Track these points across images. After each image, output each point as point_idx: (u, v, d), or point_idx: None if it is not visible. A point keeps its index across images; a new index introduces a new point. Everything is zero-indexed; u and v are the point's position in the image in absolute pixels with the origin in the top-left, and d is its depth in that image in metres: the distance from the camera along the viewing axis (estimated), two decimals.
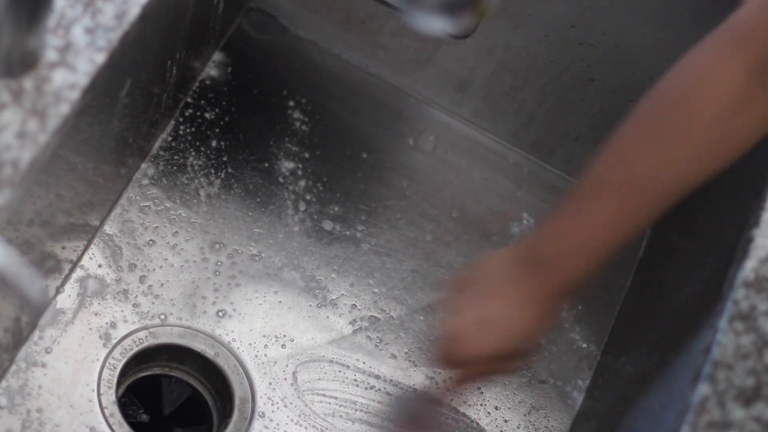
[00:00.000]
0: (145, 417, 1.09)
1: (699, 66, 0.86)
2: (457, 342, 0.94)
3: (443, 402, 1.09)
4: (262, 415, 1.07)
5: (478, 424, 1.12)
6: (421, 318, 1.16)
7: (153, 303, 1.09)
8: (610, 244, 0.91)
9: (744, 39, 0.84)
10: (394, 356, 1.13)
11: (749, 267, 0.89)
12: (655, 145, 0.88)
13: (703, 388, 0.84)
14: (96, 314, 1.07)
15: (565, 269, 0.91)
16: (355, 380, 1.11)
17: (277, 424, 1.07)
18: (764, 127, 0.86)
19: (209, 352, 1.09)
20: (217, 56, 1.23)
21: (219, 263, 1.13)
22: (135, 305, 1.09)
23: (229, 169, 1.18)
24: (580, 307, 1.20)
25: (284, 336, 1.12)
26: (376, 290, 1.16)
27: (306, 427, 1.08)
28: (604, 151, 0.90)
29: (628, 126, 0.89)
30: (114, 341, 1.06)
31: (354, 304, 1.15)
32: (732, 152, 0.88)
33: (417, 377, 1.13)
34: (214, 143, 1.19)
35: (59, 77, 0.81)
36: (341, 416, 1.09)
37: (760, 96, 0.84)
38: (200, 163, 1.18)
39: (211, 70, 1.22)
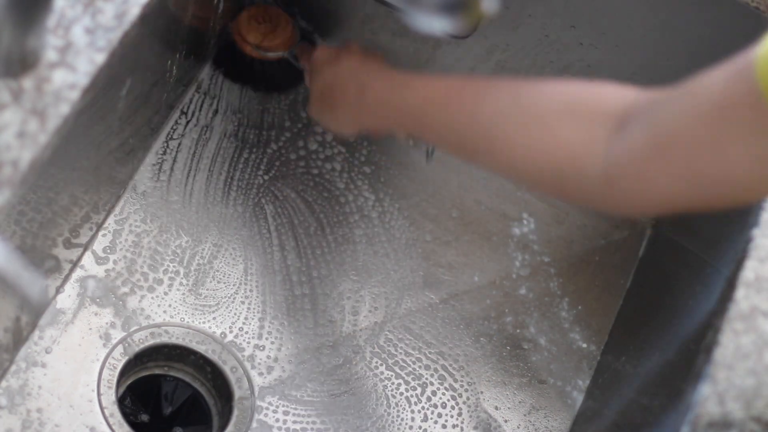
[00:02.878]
0: (145, 417, 1.09)
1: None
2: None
3: None
4: (262, 415, 1.07)
5: (477, 423, 1.12)
6: (422, 317, 1.16)
7: (153, 303, 1.09)
8: (416, 123, 0.96)
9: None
10: (394, 357, 1.13)
11: (749, 267, 0.89)
12: (512, 116, 0.87)
13: (703, 388, 0.84)
14: (96, 314, 1.07)
15: (377, 114, 1.01)
16: (356, 383, 1.11)
17: (278, 425, 1.07)
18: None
19: (209, 352, 1.09)
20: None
21: (219, 263, 1.13)
22: (135, 305, 1.09)
23: (230, 169, 1.18)
24: (580, 307, 1.20)
25: (284, 336, 1.12)
26: (376, 291, 1.16)
27: (306, 427, 1.08)
28: (513, 88, 0.90)
29: (520, 84, 0.89)
30: (114, 341, 1.07)
31: (353, 305, 1.15)
32: (545, 184, 0.86)
33: (412, 380, 1.13)
34: (214, 143, 1.19)
35: (59, 77, 0.81)
36: (342, 417, 1.09)
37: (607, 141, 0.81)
38: (200, 163, 1.18)
39: (211, 70, 1.22)
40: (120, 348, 1.06)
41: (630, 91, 0.82)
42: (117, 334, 1.07)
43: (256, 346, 1.10)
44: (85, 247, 1.09)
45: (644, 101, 0.80)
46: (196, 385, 1.10)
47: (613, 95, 0.83)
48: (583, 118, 0.82)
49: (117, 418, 1.03)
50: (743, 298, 0.88)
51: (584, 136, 0.82)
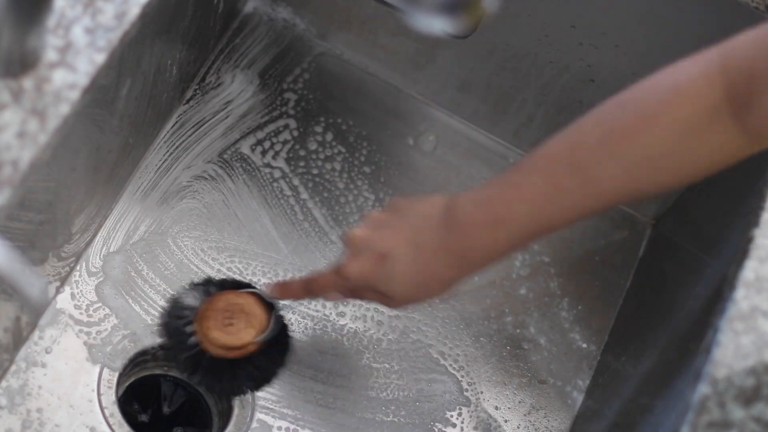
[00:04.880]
0: (145, 417, 1.09)
1: (678, 75, 0.84)
2: (347, 253, 0.95)
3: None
4: (262, 415, 1.07)
5: (477, 423, 1.12)
6: (422, 317, 1.16)
7: (153, 303, 1.09)
8: (531, 226, 0.88)
9: (729, 66, 0.81)
10: (394, 357, 1.13)
11: (749, 267, 0.89)
12: (608, 139, 0.85)
13: (703, 388, 0.84)
14: (96, 314, 1.07)
15: (476, 239, 0.89)
16: (356, 383, 1.11)
17: (277, 424, 1.07)
18: (721, 156, 0.83)
19: None
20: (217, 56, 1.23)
21: (219, 263, 1.13)
22: (135, 305, 1.09)
23: (230, 170, 1.18)
24: (580, 307, 1.20)
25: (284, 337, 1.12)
26: None
27: (306, 428, 1.08)
28: (560, 133, 0.88)
29: (589, 116, 0.87)
30: (114, 341, 1.06)
31: (354, 307, 1.15)
32: (682, 171, 0.85)
33: (410, 386, 1.13)
34: (213, 143, 1.19)
35: (59, 77, 0.81)
36: (341, 416, 1.09)
37: (725, 123, 0.81)
38: (200, 163, 1.18)
39: (210, 70, 1.22)
40: (120, 348, 1.06)
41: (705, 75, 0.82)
42: (117, 334, 1.07)
43: None
44: (85, 247, 1.09)
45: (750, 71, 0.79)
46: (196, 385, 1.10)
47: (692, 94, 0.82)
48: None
49: (117, 418, 1.03)
50: (743, 298, 0.88)
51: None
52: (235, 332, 1.02)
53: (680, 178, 0.86)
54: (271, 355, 1.05)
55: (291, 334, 1.09)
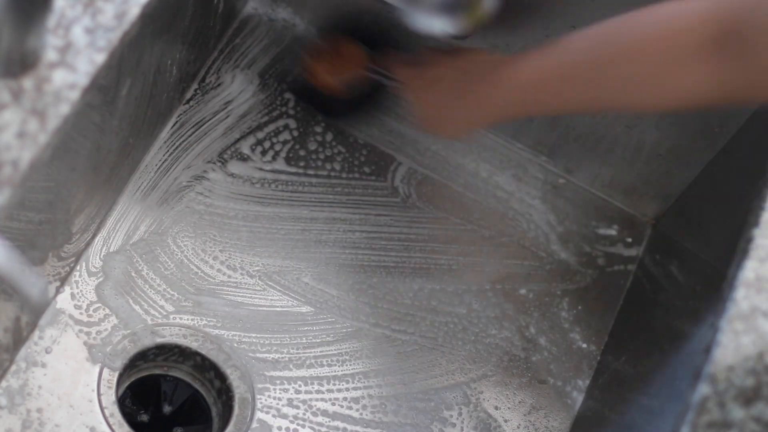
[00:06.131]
0: (145, 417, 1.09)
1: (671, 9, 0.88)
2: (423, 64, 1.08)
3: None
4: (262, 415, 1.07)
5: (477, 423, 1.12)
6: (422, 317, 1.16)
7: (153, 303, 1.09)
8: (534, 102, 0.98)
9: (723, 8, 0.85)
10: (395, 359, 1.13)
11: (749, 267, 0.89)
12: (601, 62, 0.92)
13: (703, 388, 0.84)
14: (96, 314, 1.07)
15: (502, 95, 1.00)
16: (356, 383, 1.11)
17: (277, 424, 1.07)
18: (703, 93, 0.87)
19: (210, 351, 1.09)
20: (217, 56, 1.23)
21: (220, 264, 1.13)
22: (135, 305, 1.09)
23: (229, 170, 1.18)
24: (580, 307, 1.20)
25: (284, 337, 1.12)
26: (377, 291, 1.16)
27: (306, 428, 1.08)
28: (550, 50, 0.95)
29: (583, 37, 0.94)
30: (114, 341, 1.06)
31: (354, 307, 1.15)
32: (664, 101, 0.91)
33: (410, 386, 1.13)
34: (213, 143, 1.19)
35: (59, 77, 0.81)
36: (341, 417, 1.09)
37: (712, 61, 0.85)
38: (200, 163, 1.18)
39: (210, 70, 1.22)
40: (120, 348, 1.06)
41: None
42: (117, 334, 1.07)
43: (257, 347, 1.10)
44: (85, 247, 1.09)
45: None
46: (196, 385, 1.10)
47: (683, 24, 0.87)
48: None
49: (117, 418, 1.03)
50: (743, 298, 0.88)
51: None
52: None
53: (665, 103, 0.92)
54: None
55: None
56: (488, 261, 1.20)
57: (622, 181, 1.24)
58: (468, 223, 1.22)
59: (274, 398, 1.08)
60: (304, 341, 1.12)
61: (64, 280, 1.07)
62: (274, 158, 1.20)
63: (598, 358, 1.17)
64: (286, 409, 1.08)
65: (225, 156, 1.19)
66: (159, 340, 1.08)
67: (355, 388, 1.11)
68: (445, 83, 1.04)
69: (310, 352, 1.12)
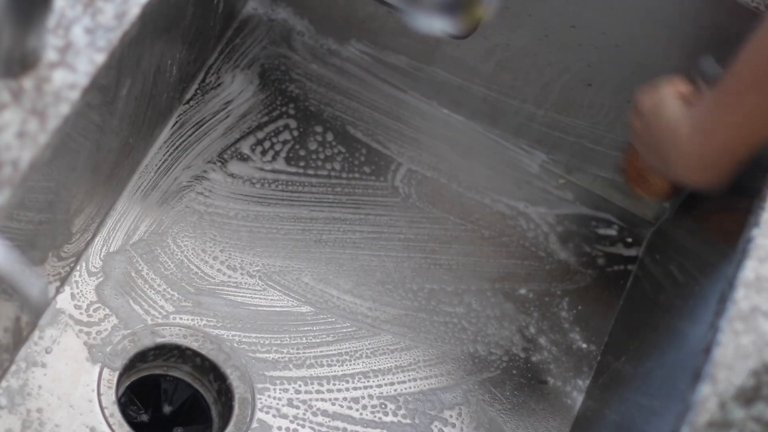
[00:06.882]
0: (145, 417, 1.09)
1: None
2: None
3: None
4: (263, 415, 1.07)
5: (478, 424, 1.12)
6: (422, 318, 1.16)
7: (153, 303, 1.09)
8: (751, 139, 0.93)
9: None
10: (395, 359, 1.13)
11: (749, 267, 0.89)
12: None
13: (703, 388, 0.84)
14: (96, 314, 1.07)
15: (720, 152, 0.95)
16: (355, 383, 1.11)
17: (278, 424, 1.07)
18: None
19: (210, 352, 1.09)
20: (217, 56, 1.23)
21: (220, 264, 1.13)
22: (135, 305, 1.09)
23: (229, 170, 1.18)
24: (580, 307, 1.20)
25: (285, 337, 1.12)
26: (377, 291, 1.16)
27: (306, 428, 1.08)
28: (752, 45, 0.89)
29: None
30: (114, 341, 1.07)
31: (354, 307, 1.15)
32: None
33: (409, 386, 1.13)
34: (213, 143, 1.19)
35: (59, 77, 0.81)
36: (341, 417, 1.09)
37: None
38: (200, 163, 1.18)
39: (211, 70, 1.22)
40: (120, 348, 1.06)
41: None
42: (117, 334, 1.07)
43: (257, 347, 1.10)
44: (85, 247, 1.09)
45: None
46: (196, 385, 1.10)
47: None
48: None
49: (117, 418, 1.03)
50: (743, 298, 0.88)
51: None
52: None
53: None
54: None
55: None
56: (488, 261, 1.20)
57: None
58: (468, 223, 1.22)
59: (274, 398, 1.08)
60: (304, 341, 1.12)
61: (64, 280, 1.07)
62: (274, 158, 1.20)
63: (598, 358, 1.17)
64: (286, 409, 1.08)
65: (225, 156, 1.19)
66: (159, 340, 1.08)
67: (355, 388, 1.11)
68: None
69: (310, 352, 1.12)
